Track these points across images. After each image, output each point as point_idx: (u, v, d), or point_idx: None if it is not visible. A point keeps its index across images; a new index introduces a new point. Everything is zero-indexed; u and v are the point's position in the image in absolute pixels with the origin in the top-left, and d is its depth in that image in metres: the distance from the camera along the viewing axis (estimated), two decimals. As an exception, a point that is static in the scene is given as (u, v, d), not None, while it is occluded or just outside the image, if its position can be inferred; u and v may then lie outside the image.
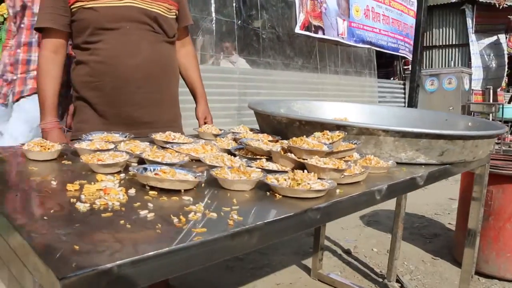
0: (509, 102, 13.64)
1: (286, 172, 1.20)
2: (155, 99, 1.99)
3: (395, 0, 8.02)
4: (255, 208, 0.98)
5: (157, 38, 1.99)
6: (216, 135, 1.90)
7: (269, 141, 1.55)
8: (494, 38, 11.68)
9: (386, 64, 8.70)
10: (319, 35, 6.38)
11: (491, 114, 8.73)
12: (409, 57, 8.75)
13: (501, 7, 10.48)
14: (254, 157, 1.41)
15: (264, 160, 1.33)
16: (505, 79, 12.48)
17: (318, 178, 1.15)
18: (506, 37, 12.09)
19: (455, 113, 7.92)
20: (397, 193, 1.38)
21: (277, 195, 1.07)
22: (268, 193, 1.09)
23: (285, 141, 1.54)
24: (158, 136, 1.63)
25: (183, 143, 1.54)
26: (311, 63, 6.67)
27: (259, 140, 1.54)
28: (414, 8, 8.68)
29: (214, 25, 5.38)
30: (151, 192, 1.01)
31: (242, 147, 1.50)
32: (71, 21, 1.90)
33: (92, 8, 1.84)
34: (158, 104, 2.01)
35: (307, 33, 6.22)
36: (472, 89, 9.55)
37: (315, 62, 6.68)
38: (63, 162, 1.28)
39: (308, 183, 1.08)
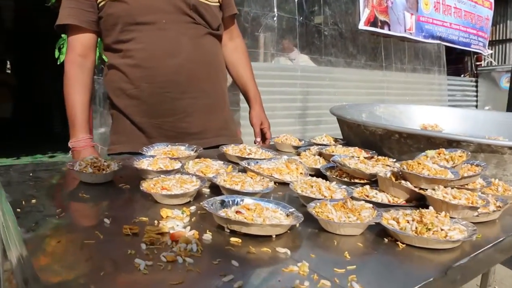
0: None
1: (405, 207, 0.92)
2: (202, 105, 1.69)
3: (469, -9, 7.46)
4: (377, 268, 0.71)
5: (200, 31, 1.68)
6: (296, 147, 1.63)
7: (364, 158, 1.26)
8: None
9: (456, 60, 8.10)
10: (385, 30, 5.98)
11: None
12: (483, 52, 8.13)
13: None
14: (352, 181, 1.13)
15: (368, 188, 1.04)
16: None
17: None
18: None
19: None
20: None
21: (400, 243, 0.79)
22: (386, 239, 0.81)
23: (389, 160, 1.26)
24: (231, 151, 1.38)
25: (260, 159, 1.28)
26: (375, 60, 6.27)
27: (353, 157, 1.26)
28: (490, -2, 8.08)
29: (276, 21, 5.12)
30: (233, 240, 0.75)
31: (333, 165, 1.22)
32: (98, 18, 1.62)
33: (121, 0, 1.57)
34: (206, 111, 1.71)
35: (372, 28, 5.83)
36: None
37: (380, 59, 6.28)
38: (119, 186, 1.05)
39: (442, 229, 0.79)
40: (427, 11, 6.53)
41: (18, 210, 0.86)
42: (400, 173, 1.02)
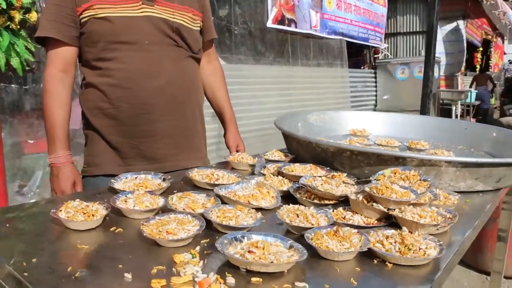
0: (470, 86, 14.07)
1: (380, 227, 1.06)
2: (180, 127, 1.74)
3: (366, -11, 7.96)
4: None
5: (181, 53, 1.73)
6: (251, 165, 1.72)
7: (325, 176, 1.39)
8: (454, 24, 11.89)
9: (356, 53, 8.65)
10: (292, 28, 6.21)
11: (459, 101, 8.90)
12: (380, 46, 8.74)
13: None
14: (321, 202, 1.25)
15: (341, 210, 1.18)
16: (464, 64, 12.78)
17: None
18: (464, 23, 12.34)
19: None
20: (478, 229, 1.27)
21: (388, 263, 0.92)
22: (375, 260, 0.94)
23: (343, 175, 1.41)
24: (198, 176, 1.43)
25: (229, 184, 1.35)
26: (283, 57, 6.51)
27: (315, 176, 1.38)
28: (383, -4, 8.70)
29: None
30: (253, 280, 0.82)
31: (299, 186, 1.33)
32: (80, 33, 1.60)
33: (105, 18, 1.56)
34: (184, 133, 1.76)
35: (280, 26, 6.03)
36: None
37: (287, 56, 6.53)
38: (111, 230, 1.06)
39: (420, 248, 0.94)
40: (331, 9, 6.88)
41: (25, 274, 0.84)
42: (369, 196, 1.16)
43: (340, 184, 1.33)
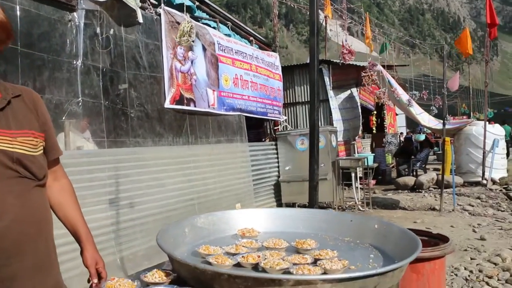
0: (370, 145, 14.95)
1: None
2: (31, 266, 1.56)
3: (261, 66, 8.26)
4: None
5: (26, 185, 1.57)
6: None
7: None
8: (348, 92, 12.75)
9: (256, 126, 8.88)
10: (191, 107, 6.25)
11: (357, 168, 9.33)
12: (278, 118, 9.06)
13: (346, 64, 11.53)
14: None
15: None
16: (361, 127, 13.62)
17: None
18: (357, 90, 13.30)
19: (326, 169, 8.26)
20: None
21: None
22: None
23: None
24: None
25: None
26: (182, 136, 6.48)
27: None
28: (279, 71, 9.12)
29: (81, 107, 4.96)
30: None
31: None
32: None
33: None
34: (37, 271, 1.59)
35: (179, 106, 6.03)
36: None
37: (186, 135, 6.52)
38: None
39: None
40: (227, 87, 7.05)
41: None
42: None
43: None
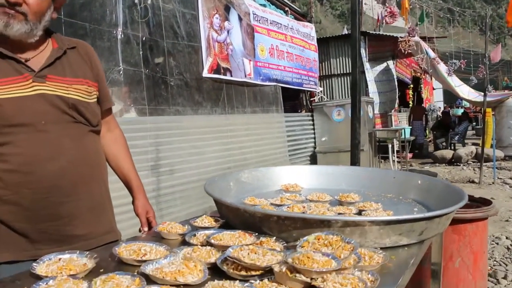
0: (408, 119, 14.70)
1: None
2: (87, 207, 1.65)
3: (297, 37, 8.20)
4: None
5: (81, 130, 1.65)
6: (182, 234, 1.67)
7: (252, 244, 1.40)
8: (384, 64, 12.51)
9: (293, 97, 8.84)
10: (228, 77, 6.29)
11: (394, 140, 9.23)
12: (314, 89, 9.00)
13: (383, 35, 11.31)
14: (248, 273, 1.23)
15: (266, 281, 1.17)
16: (397, 101, 13.39)
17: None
18: (394, 63, 13.03)
19: (363, 140, 8.20)
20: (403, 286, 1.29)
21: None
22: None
23: (271, 240, 1.46)
24: (125, 252, 1.38)
25: (156, 259, 1.30)
26: (219, 105, 6.54)
27: (243, 245, 1.37)
28: (315, 42, 9.02)
29: (122, 75, 5.06)
30: None
31: (225, 256, 1.31)
32: None
33: None
34: (92, 212, 1.68)
35: (216, 76, 6.09)
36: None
37: (223, 104, 6.57)
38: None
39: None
40: (263, 57, 7.04)
41: None
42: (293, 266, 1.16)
43: (267, 252, 1.31)
